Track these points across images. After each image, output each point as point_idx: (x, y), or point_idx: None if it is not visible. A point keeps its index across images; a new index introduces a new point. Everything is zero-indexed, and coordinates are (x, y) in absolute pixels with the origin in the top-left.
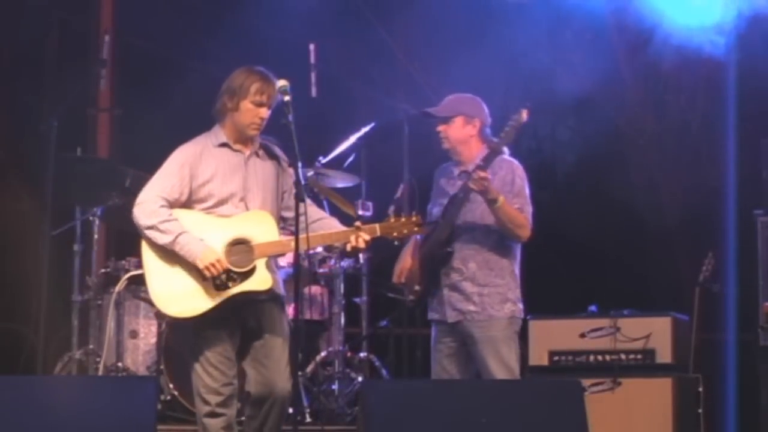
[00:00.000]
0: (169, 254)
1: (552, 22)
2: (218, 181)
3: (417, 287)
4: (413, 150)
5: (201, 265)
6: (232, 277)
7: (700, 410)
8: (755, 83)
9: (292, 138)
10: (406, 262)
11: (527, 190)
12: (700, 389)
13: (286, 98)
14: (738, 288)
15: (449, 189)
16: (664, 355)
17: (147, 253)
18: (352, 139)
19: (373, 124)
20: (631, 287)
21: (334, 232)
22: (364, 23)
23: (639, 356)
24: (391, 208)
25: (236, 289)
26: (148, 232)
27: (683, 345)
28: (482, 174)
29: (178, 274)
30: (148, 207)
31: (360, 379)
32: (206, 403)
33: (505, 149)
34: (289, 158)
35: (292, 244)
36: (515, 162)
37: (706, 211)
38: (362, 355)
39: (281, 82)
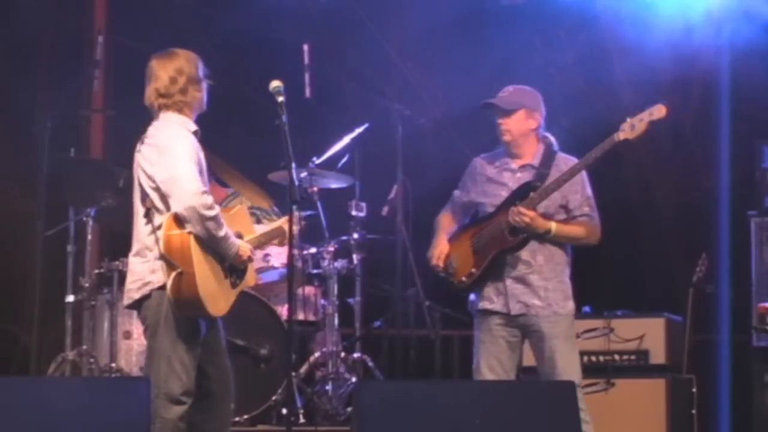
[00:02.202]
0: (206, 252)
1: (545, 22)
2: (202, 170)
3: (473, 270)
4: (407, 151)
5: (245, 256)
6: (239, 274)
7: (693, 411)
8: (749, 84)
9: (286, 139)
10: (443, 246)
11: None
12: (694, 390)
13: (280, 99)
14: (731, 289)
15: (501, 179)
16: (658, 356)
17: (196, 251)
18: (346, 139)
19: (366, 125)
20: (625, 288)
21: (273, 229)
22: (357, 24)
23: (633, 357)
24: (385, 209)
25: (241, 286)
26: (209, 224)
27: (677, 346)
28: (523, 210)
29: (213, 273)
30: (209, 198)
31: (354, 379)
32: (177, 398)
33: (554, 141)
34: (283, 159)
35: (270, 236)
36: (577, 161)
37: (699, 212)
38: (356, 355)
39: (275, 83)
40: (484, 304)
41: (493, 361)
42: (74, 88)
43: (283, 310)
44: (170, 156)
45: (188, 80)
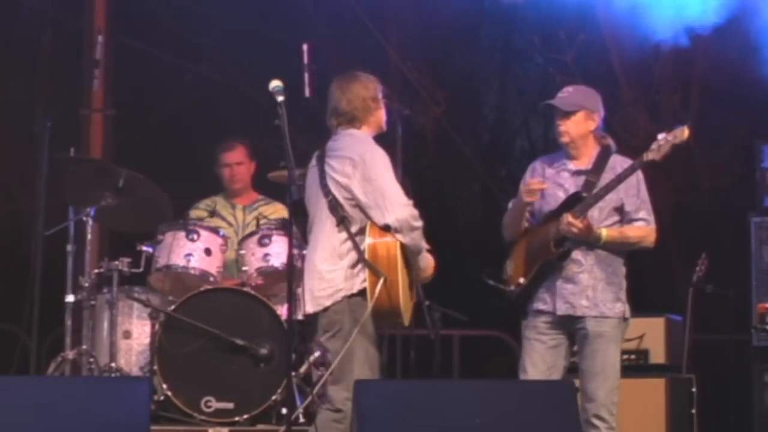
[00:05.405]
0: (404, 262)
1: (545, 22)
2: None
3: (522, 279)
4: (407, 150)
5: (432, 271)
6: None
7: (693, 410)
8: (749, 84)
9: (286, 138)
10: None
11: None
12: (694, 389)
13: (280, 98)
14: (731, 289)
15: (560, 181)
16: (658, 356)
17: (401, 260)
18: None
19: None
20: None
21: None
22: (357, 23)
23: (633, 357)
24: None
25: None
26: (416, 234)
27: (677, 345)
28: (572, 221)
29: (408, 283)
30: (415, 209)
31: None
32: None
33: (612, 142)
34: (283, 159)
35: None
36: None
37: (699, 212)
38: None
39: (274, 83)
40: (538, 305)
41: (537, 357)
42: (74, 88)
43: (282, 310)
44: (370, 169)
45: (364, 100)
